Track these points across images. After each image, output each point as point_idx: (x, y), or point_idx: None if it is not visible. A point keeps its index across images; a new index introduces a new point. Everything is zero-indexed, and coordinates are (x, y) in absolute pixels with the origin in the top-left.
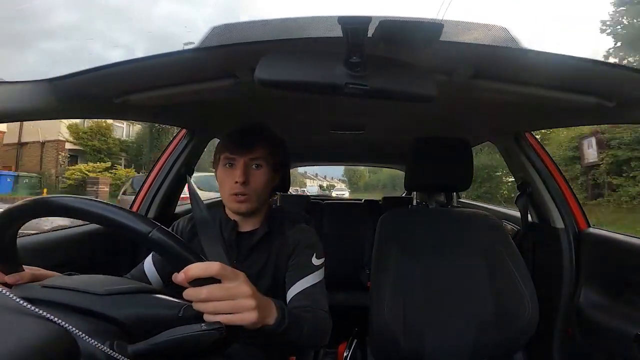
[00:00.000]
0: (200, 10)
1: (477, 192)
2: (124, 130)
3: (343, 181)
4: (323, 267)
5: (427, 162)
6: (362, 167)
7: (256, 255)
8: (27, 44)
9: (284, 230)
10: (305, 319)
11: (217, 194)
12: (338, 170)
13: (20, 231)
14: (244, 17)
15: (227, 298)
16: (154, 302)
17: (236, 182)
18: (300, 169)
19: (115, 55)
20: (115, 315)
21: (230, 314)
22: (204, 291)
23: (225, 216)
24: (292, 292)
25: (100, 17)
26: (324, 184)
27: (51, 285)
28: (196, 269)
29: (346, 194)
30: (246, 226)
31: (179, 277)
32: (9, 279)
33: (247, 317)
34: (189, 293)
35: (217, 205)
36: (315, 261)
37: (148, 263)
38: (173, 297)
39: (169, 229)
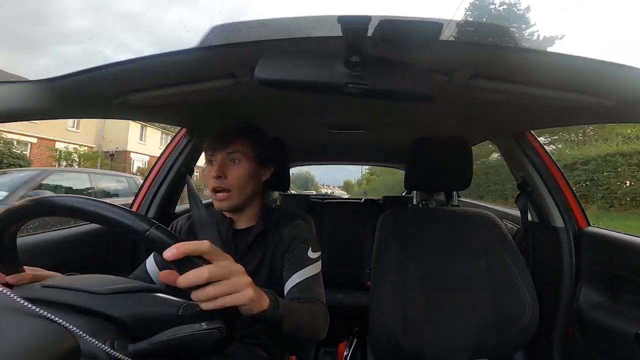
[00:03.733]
0: (210, 17)
1: None
2: None
3: (341, 188)
4: (319, 261)
5: (427, 162)
6: (354, 181)
7: (253, 253)
8: (41, 47)
9: (280, 227)
10: (300, 309)
11: None
12: (339, 182)
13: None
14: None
15: (224, 277)
16: (153, 301)
17: (213, 177)
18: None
19: (125, 58)
20: (115, 313)
21: (228, 295)
22: (205, 270)
23: (222, 214)
24: (288, 285)
25: (113, 22)
26: (329, 191)
27: (51, 285)
28: (190, 245)
29: (345, 196)
30: (241, 223)
31: (169, 252)
32: (10, 279)
33: (245, 294)
34: (189, 276)
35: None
36: (311, 254)
37: (150, 263)
38: (173, 295)
39: (168, 228)
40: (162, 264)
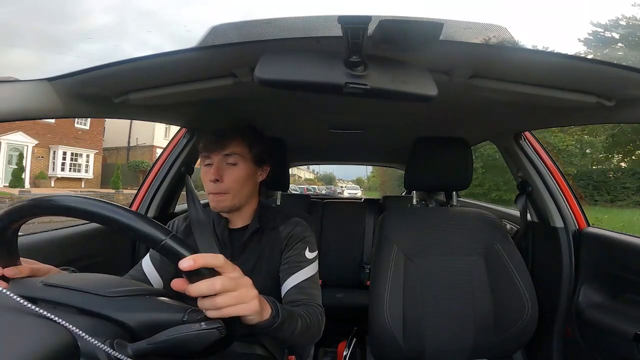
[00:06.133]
0: (228, 16)
1: None
2: None
3: (353, 182)
4: (316, 261)
5: (427, 162)
6: (364, 178)
7: (249, 252)
8: (66, 45)
9: (276, 225)
10: (298, 315)
11: None
12: (352, 177)
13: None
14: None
15: (233, 289)
16: (159, 306)
17: (210, 181)
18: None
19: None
20: (123, 318)
21: (234, 305)
22: (217, 282)
23: (217, 214)
24: (286, 286)
25: (133, 20)
26: (344, 185)
27: (54, 284)
28: (206, 257)
29: (359, 193)
30: (237, 223)
31: (185, 263)
32: (7, 272)
33: (251, 306)
34: (201, 286)
35: None
36: (308, 254)
37: (147, 263)
38: (175, 299)
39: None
40: (161, 265)
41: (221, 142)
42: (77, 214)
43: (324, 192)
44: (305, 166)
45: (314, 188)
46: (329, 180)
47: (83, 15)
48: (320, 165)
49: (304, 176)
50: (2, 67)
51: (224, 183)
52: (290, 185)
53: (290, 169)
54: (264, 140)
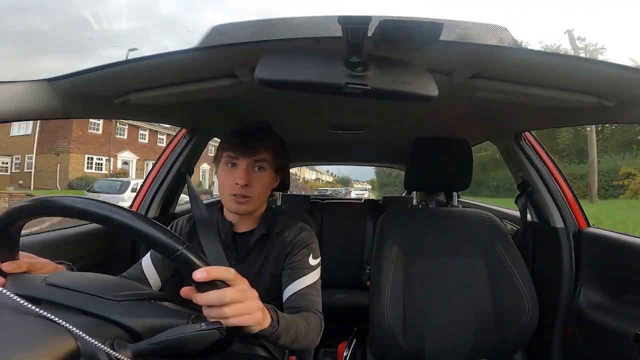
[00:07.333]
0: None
1: None
2: None
3: (368, 182)
4: (319, 268)
5: (427, 162)
6: (375, 179)
7: (254, 256)
8: (89, 51)
9: (281, 230)
10: (298, 323)
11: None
12: (366, 178)
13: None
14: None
15: (241, 300)
16: (164, 311)
17: (237, 184)
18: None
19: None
20: (127, 322)
21: (240, 316)
22: (227, 294)
23: (222, 217)
24: (288, 292)
25: (154, 26)
26: (359, 185)
27: (59, 285)
28: (219, 270)
29: (366, 194)
30: (242, 227)
31: (199, 274)
32: (6, 266)
33: (254, 317)
34: (211, 296)
35: (214, 206)
36: (312, 261)
37: (147, 264)
38: (175, 302)
39: (168, 228)
40: (161, 266)
41: (253, 147)
42: (93, 218)
43: (343, 192)
44: (325, 170)
45: (336, 190)
46: (345, 182)
47: (104, 21)
48: (340, 168)
49: (325, 179)
50: (31, 72)
51: (251, 187)
52: (319, 188)
53: (315, 173)
54: (286, 148)
